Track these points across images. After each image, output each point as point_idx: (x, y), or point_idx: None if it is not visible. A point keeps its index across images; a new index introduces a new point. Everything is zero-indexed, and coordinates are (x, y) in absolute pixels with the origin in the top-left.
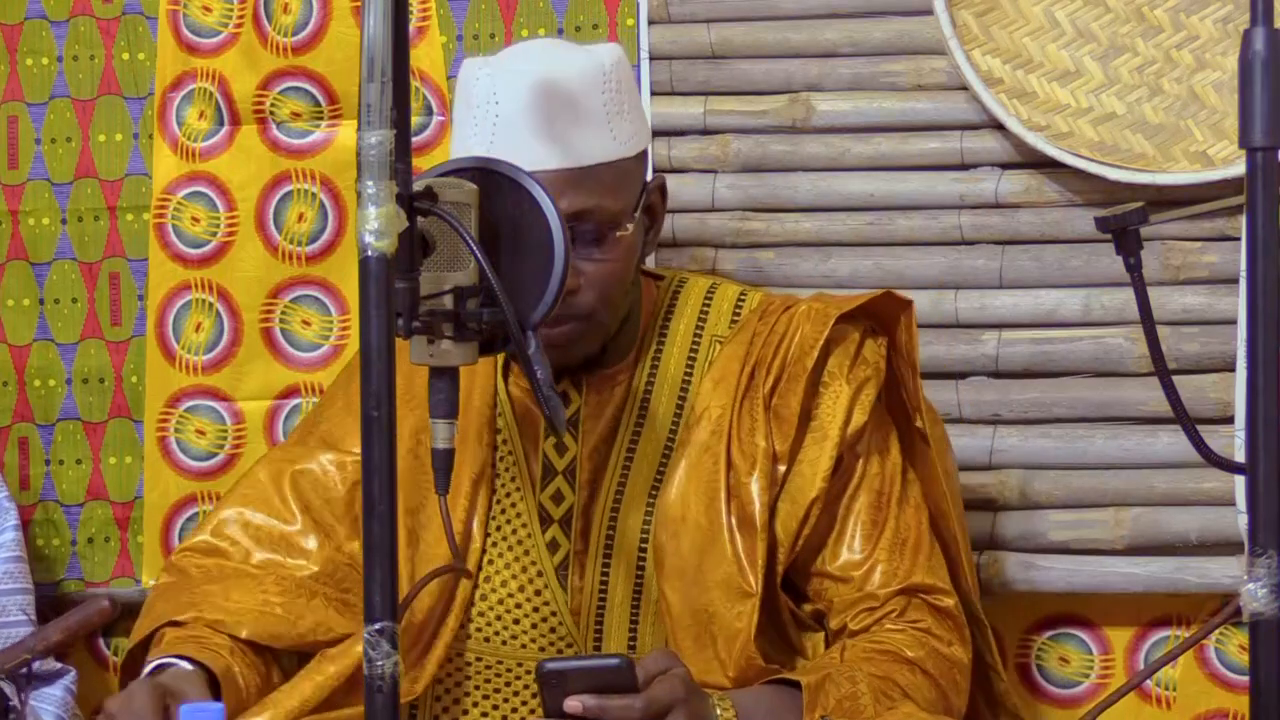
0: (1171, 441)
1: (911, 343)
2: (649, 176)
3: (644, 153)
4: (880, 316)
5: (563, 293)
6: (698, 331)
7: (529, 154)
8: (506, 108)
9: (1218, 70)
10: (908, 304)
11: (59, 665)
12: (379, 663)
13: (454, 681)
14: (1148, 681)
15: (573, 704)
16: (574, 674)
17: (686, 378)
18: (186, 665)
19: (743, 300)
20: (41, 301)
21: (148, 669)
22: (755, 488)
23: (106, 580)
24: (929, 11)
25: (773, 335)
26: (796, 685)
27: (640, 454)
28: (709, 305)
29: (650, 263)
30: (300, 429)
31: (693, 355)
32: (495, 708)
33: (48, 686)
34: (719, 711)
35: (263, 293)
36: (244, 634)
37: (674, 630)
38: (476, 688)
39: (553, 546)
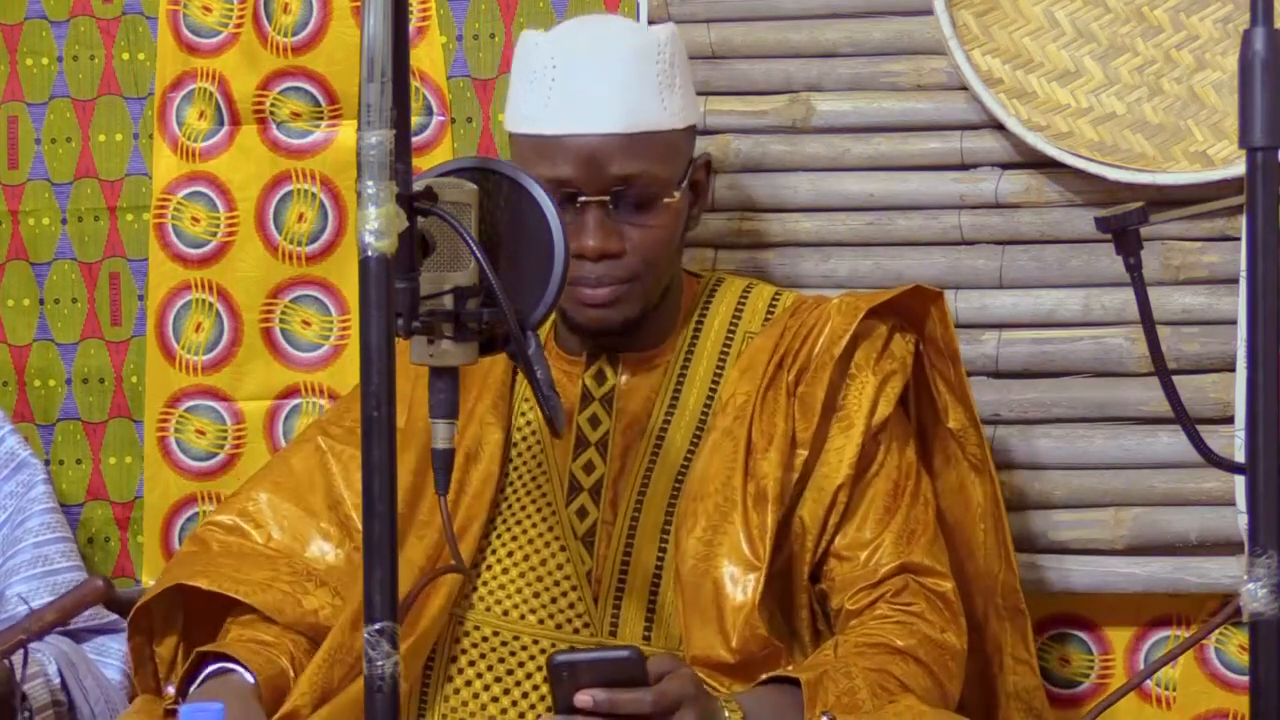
0: (1171, 441)
1: (948, 334)
2: (696, 154)
3: (693, 129)
4: (909, 314)
5: (562, 292)
6: (732, 327)
7: (583, 117)
8: (563, 72)
9: (1218, 70)
10: (938, 296)
11: (113, 617)
12: (379, 663)
13: (468, 660)
14: (1148, 681)
15: (583, 698)
16: (584, 667)
17: (718, 370)
18: (247, 675)
19: (777, 299)
20: (41, 301)
21: (208, 670)
22: (771, 463)
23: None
24: (929, 11)
25: (802, 328)
26: (795, 683)
27: (670, 439)
28: (744, 303)
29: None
30: (339, 406)
31: (725, 349)
32: (506, 691)
33: (111, 640)
34: (727, 713)
35: (263, 293)
36: (249, 602)
37: (683, 604)
38: (489, 668)
39: (581, 514)
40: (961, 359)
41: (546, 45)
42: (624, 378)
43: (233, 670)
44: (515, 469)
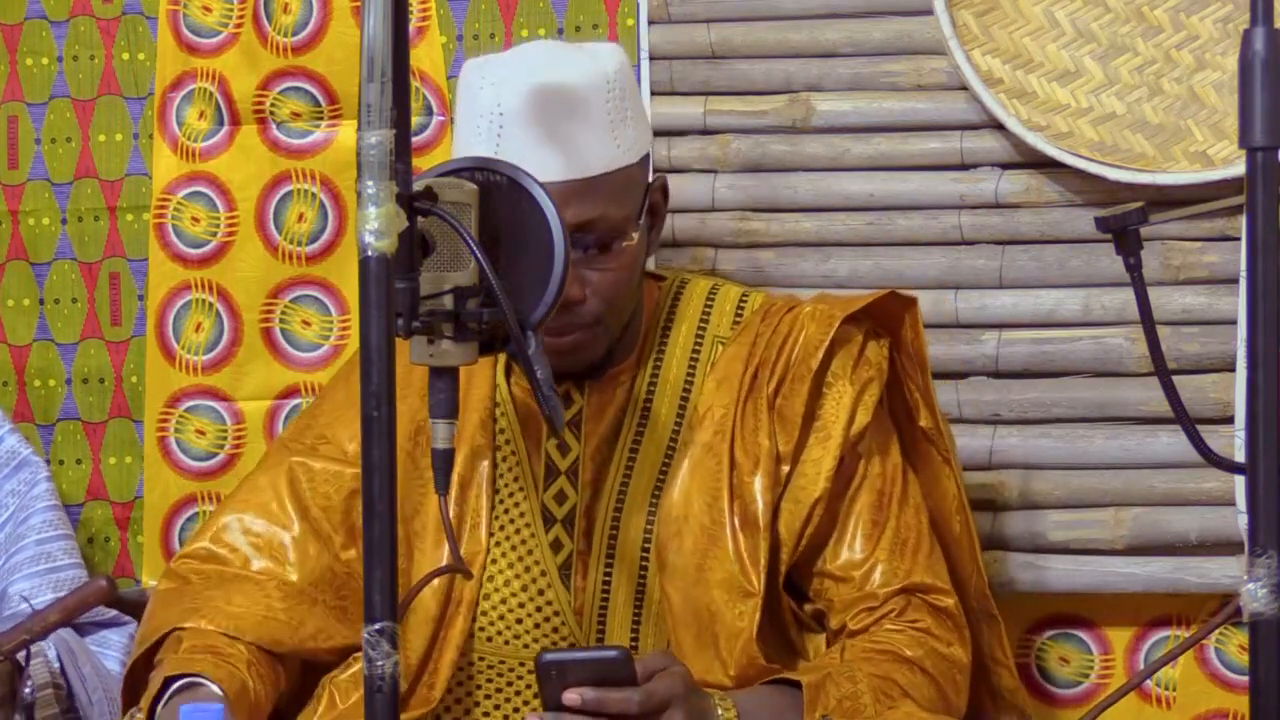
0: (1171, 441)
1: (919, 340)
2: (650, 178)
3: (647, 156)
4: (884, 317)
5: (563, 293)
6: (700, 332)
7: (534, 166)
8: (511, 119)
9: (1218, 70)
10: (912, 302)
11: (114, 613)
12: (379, 663)
13: (455, 681)
14: (1148, 681)
15: (571, 696)
16: (572, 665)
17: (689, 378)
18: (214, 688)
19: (745, 301)
20: (41, 301)
21: (170, 689)
22: (758, 486)
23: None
24: (929, 11)
25: (775, 336)
26: (797, 685)
27: (643, 454)
28: (711, 306)
29: (650, 263)
30: (298, 423)
31: (695, 356)
32: (497, 707)
33: (112, 633)
34: (720, 711)
35: (263, 293)
36: (248, 639)
37: (675, 629)
38: (479, 688)
39: (556, 546)
40: (930, 367)
41: (491, 90)
42: (591, 399)
43: (200, 684)
44: (500, 499)
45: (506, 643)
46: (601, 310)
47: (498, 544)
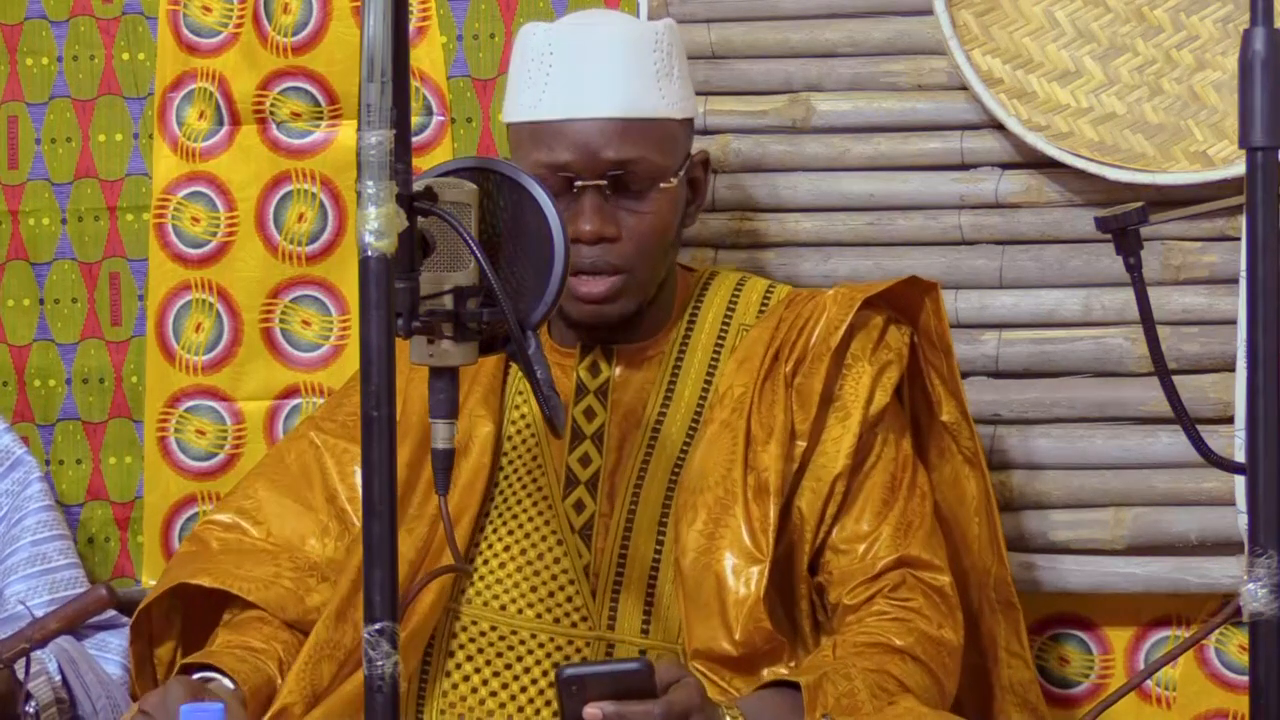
0: (1171, 441)
1: (941, 324)
2: (693, 150)
3: (690, 122)
4: (904, 306)
5: (562, 293)
6: (726, 319)
7: (580, 102)
8: (560, 59)
9: (1218, 70)
10: (932, 287)
11: (113, 613)
12: (379, 663)
13: (465, 655)
14: (1148, 681)
15: (592, 711)
16: (592, 679)
17: (713, 362)
18: (228, 682)
19: (771, 292)
20: (41, 301)
21: (194, 677)
22: (771, 455)
23: (106, 581)
24: (929, 11)
25: (798, 320)
26: (795, 686)
27: (665, 431)
28: (738, 296)
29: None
30: (331, 402)
31: (720, 341)
32: (505, 686)
33: (111, 636)
34: (728, 719)
35: (263, 293)
36: (252, 599)
37: (684, 597)
38: (488, 662)
39: (578, 507)
40: (954, 352)
41: (544, 34)
42: (618, 370)
43: (213, 679)
44: (510, 462)
45: (520, 611)
46: (634, 255)
47: (513, 516)
